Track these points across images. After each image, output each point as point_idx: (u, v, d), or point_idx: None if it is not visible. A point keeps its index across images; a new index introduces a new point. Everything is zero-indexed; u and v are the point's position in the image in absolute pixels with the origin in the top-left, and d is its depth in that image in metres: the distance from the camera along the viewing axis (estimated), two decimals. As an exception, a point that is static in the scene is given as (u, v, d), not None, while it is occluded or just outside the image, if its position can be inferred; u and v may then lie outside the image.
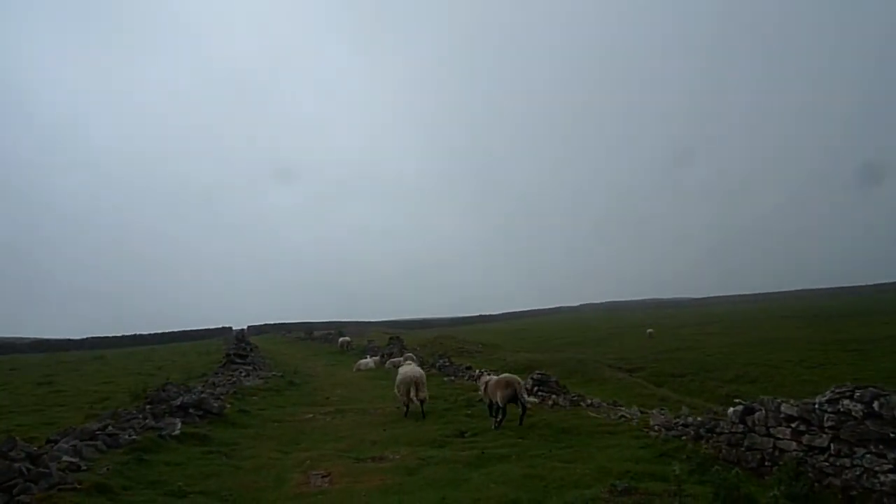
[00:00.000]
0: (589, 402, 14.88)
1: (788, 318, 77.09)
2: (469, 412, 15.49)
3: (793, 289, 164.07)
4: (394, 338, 46.65)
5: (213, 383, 21.26)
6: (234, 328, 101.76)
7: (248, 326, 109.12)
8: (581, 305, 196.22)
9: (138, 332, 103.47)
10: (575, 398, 15.00)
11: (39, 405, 20.04)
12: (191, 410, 13.73)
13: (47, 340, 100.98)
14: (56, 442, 10.00)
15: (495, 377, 14.68)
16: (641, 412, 13.56)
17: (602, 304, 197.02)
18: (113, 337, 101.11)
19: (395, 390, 15.93)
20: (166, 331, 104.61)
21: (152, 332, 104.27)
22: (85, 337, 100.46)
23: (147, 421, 12.68)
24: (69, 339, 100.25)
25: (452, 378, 24.98)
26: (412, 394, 15.38)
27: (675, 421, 11.34)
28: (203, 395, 14.68)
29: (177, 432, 11.54)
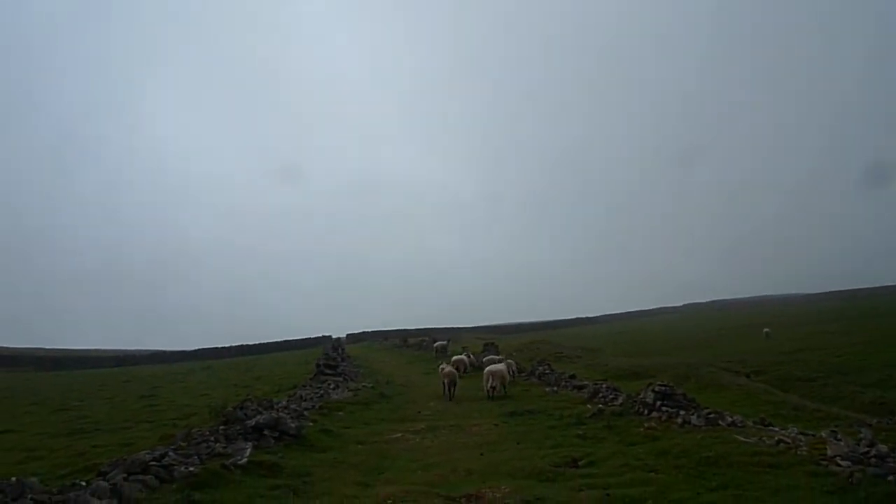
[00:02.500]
0: (730, 419, 12.13)
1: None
2: (580, 431, 13.18)
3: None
4: (488, 343, 44.65)
5: (301, 397, 20.11)
6: (333, 336, 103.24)
7: (347, 335, 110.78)
8: (684, 305, 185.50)
9: (245, 343, 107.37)
10: (711, 415, 12.30)
11: (129, 421, 19.72)
12: (265, 432, 12.33)
13: (163, 352, 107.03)
14: (106, 474, 8.76)
15: (492, 367, 23.07)
16: (803, 435, 10.72)
17: (706, 303, 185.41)
18: (222, 347, 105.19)
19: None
20: (271, 340, 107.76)
21: (258, 341, 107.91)
22: (197, 348, 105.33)
23: (217, 445, 11.36)
24: (183, 351, 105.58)
25: (555, 388, 22.59)
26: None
27: (863, 451, 8.58)
28: (280, 415, 13.28)
29: (243, 461, 10.07)
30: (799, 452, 9.07)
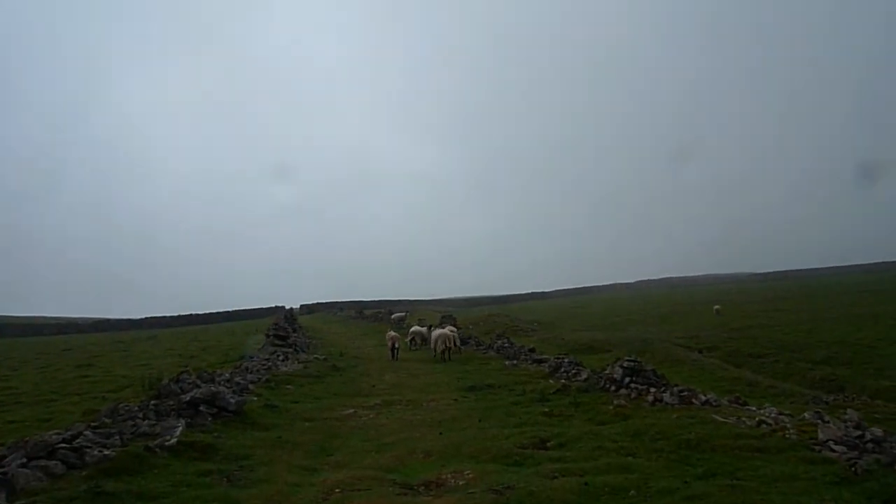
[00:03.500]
0: (703, 398, 11.45)
1: (865, 293, 70.79)
2: (546, 409, 12.35)
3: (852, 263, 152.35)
4: (446, 316, 44.02)
5: (246, 368, 18.81)
6: (286, 307, 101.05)
7: (301, 305, 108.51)
8: (637, 282, 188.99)
9: (194, 312, 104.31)
10: (684, 393, 11.60)
11: (57, 393, 18.13)
12: (202, 408, 11.09)
13: (108, 320, 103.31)
14: (2, 458, 7.44)
15: (438, 330, 26.28)
16: (784, 415, 10.11)
17: (659, 280, 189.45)
18: (170, 316, 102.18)
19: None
20: (221, 310, 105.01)
21: (208, 311, 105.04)
22: (144, 317, 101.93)
23: (144, 422, 10.10)
24: (129, 319, 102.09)
25: (515, 362, 21.90)
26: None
27: (855, 434, 7.96)
28: (219, 389, 12.02)
29: (172, 441, 8.84)
30: (787, 435, 8.39)
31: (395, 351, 25.51)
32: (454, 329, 28.07)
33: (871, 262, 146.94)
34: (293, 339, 26.96)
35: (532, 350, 23.73)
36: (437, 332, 26.09)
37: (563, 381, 17.06)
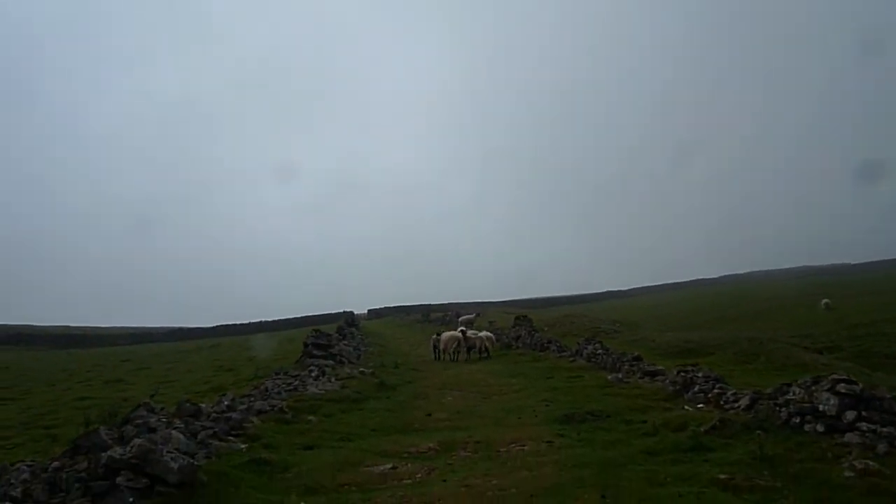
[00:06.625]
0: None
1: None
2: (721, 473, 7.00)
3: None
4: (520, 317, 38.64)
5: (265, 390, 14.28)
6: (355, 312, 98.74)
7: (369, 310, 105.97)
8: (720, 277, 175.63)
9: (265, 319, 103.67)
10: None
11: (21, 426, 14.22)
12: (120, 479, 6.46)
13: (181, 329, 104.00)
14: None
15: (448, 333, 26.73)
16: None
17: (744, 274, 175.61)
18: (240, 324, 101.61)
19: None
20: (291, 317, 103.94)
21: (278, 318, 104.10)
22: (216, 325, 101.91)
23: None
24: (202, 328, 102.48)
25: (619, 375, 16.49)
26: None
27: None
28: (153, 447, 7.12)
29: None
30: None
31: (438, 352, 25.94)
32: (489, 334, 28.17)
33: None
34: (339, 349, 22.34)
35: (638, 358, 18.13)
36: (446, 334, 26.50)
37: (701, 405, 11.63)
